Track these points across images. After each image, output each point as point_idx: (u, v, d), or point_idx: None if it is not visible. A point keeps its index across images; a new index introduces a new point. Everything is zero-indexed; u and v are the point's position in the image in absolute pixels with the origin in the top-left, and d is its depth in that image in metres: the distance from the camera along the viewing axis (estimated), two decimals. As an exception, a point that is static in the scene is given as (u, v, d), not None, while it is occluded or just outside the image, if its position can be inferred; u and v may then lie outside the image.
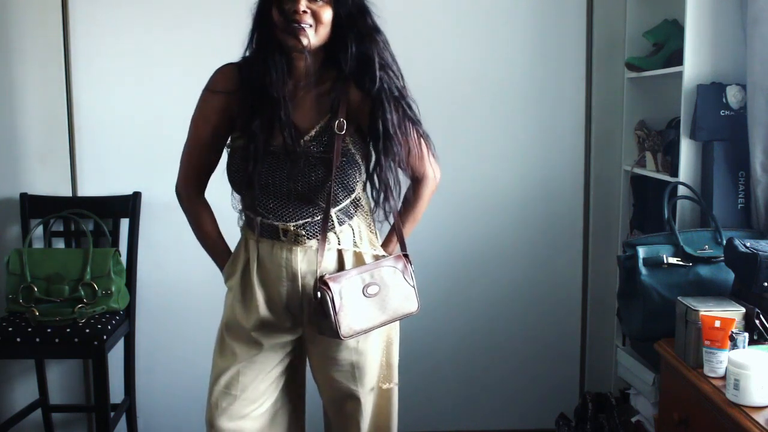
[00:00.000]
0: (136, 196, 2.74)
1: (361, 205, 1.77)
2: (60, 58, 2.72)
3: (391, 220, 1.80)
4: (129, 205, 2.73)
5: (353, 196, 1.73)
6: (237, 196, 1.77)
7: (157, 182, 2.72)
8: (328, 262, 1.72)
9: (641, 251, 2.18)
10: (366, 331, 1.69)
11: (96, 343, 2.42)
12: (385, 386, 1.87)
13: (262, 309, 1.74)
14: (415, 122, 1.74)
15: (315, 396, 1.96)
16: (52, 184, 2.77)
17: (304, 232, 1.70)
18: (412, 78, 2.75)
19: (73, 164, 2.77)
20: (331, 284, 1.63)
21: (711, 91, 2.28)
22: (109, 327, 2.50)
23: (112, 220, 2.74)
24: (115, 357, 2.76)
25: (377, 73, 1.65)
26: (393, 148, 1.67)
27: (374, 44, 1.67)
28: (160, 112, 2.72)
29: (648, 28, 2.67)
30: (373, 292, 1.69)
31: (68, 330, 2.44)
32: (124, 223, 2.75)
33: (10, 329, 2.45)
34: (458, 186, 2.85)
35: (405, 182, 1.82)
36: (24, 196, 2.73)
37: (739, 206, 2.30)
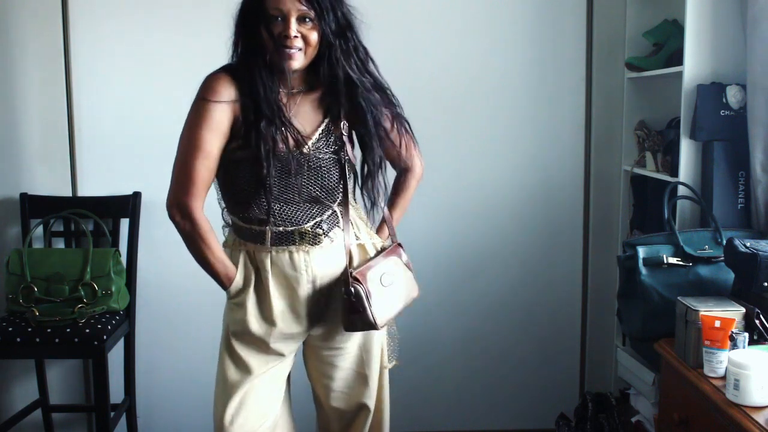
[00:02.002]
0: (136, 196, 2.74)
1: (368, 194, 1.82)
2: (60, 58, 2.72)
3: (378, 212, 1.87)
4: (129, 205, 2.73)
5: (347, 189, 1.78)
6: (232, 211, 1.75)
7: (157, 182, 2.69)
8: (339, 259, 1.75)
9: (641, 251, 2.18)
10: (392, 319, 1.78)
11: (96, 343, 2.42)
12: (385, 366, 1.93)
13: (283, 318, 1.74)
14: (402, 123, 1.83)
15: (303, 397, 1.97)
16: (52, 184, 2.77)
17: (321, 231, 1.72)
18: (412, 78, 2.78)
19: (73, 164, 2.77)
20: (361, 278, 1.69)
21: (711, 91, 2.28)
22: (109, 327, 2.50)
23: (112, 220, 2.74)
24: (115, 357, 2.75)
25: (358, 99, 1.70)
26: (380, 161, 1.77)
27: (349, 67, 1.69)
28: (161, 112, 2.72)
29: (648, 28, 2.67)
30: (388, 282, 1.75)
31: (68, 330, 2.44)
32: (124, 223, 2.75)
33: (10, 329, 2.45)
34: (458, 186, 2.85)
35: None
36: (24, 196, 2.73)
37: (739, 206, 2.30)
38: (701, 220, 2.34)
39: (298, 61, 1.63)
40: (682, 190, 2.33)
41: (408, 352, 2.91)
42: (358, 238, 1.79)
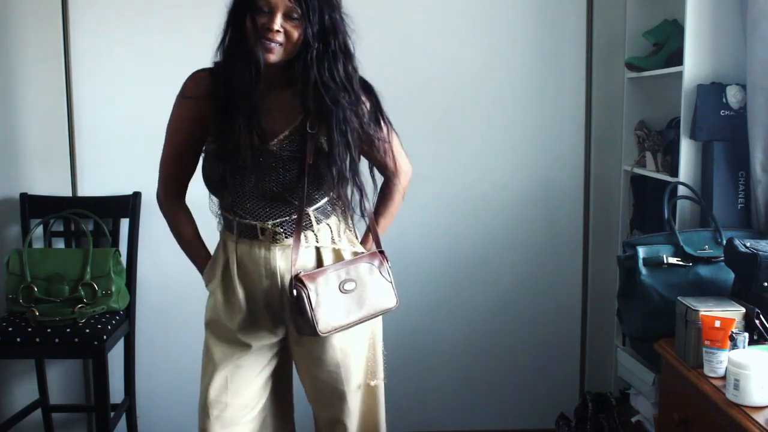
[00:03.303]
0: (136, 196, 2.74)
1: (339, 204, 1.79)
2: (60, 58, 2.72)
3: (351, 221, 1.83)
4: (129, 205, 2.73)
5: (330, 195, 1.75)
6: (215, 200, 1.79)
7: (156, 182, 2.72)
8: (307, 260, 1.74)
9: (641, 251, 2.18)
10: (345, 327, 1.70)
11: (96, 343, 2.42)
12: (372, 383, 1.87)
13: (245, 309, 1.75)
14: (384, 130, 1.78)
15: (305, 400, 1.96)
16: (52, 184, 2.77)
17: (281, 230, 1.72)
18: (412, 78, 2.79)
19: (73, 164, 2.77)
20: (306, 281, 1.65)
21: (711, 91, 2.28)
22: (109, 327, 2.50)
23: (112, 220, 2.74)
24: (115, 357, 2.76)
25: (325, 103, 1.66)
26: (338, 173, 1.69)
27: (319, 71, 1.65)
28: (160, 111, 2.70)
29: (648, 28, 2.67)
30: (350, 288, 1.71)
31: (68, 330, 2.44)
32: (124, 223, 2.75)
33: (10, 329, 2.45)
34: (458, 186, 2.86)
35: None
36: (24, 196, 2.73)
37: (739, 206, 2.30)
38: (701, 220, 2.34)
39: (276, 55, 1.62)
40: (682, 190, 2.33)
41: (408, 352, 2.92)
42: (334, 243, 1.77)
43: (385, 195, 1.92)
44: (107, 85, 2.75)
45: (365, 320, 1.75)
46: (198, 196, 1.82)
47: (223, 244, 1.79)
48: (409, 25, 2.77)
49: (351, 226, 1.84)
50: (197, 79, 1.74)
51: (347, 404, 1.83)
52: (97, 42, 2.73)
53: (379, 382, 1.89)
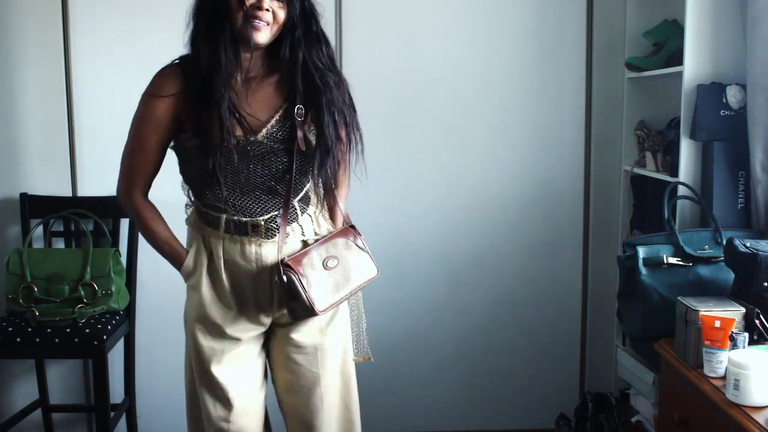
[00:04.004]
0: (136, 196, 2.74)
1: (315, 192, 1.82)
2: (60, 58, 2.72)
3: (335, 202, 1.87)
4: (129, 205, 2.72)
5: (309, 183, 1.78)
6: (192, 194, 1.78)
7: (156, 182, 2.70)
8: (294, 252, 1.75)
9: (641, 251, 2.18)
10: (338, 303, 1.75)
11: (96, 343, 2.42)
12: (351, 358, 1.90)
13: (234, 304, 1.75)
14: (352, 116, 1.80)
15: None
16: (52, 184, 2.77)
17: (275, 226, 1.72)
18: (412, 78, 2.78)
19: (73, 164, 2.77)
20: (293, 265, 1.67)
21: (711, 91, 2.28)
22: (109, 327, 2.50)
23: (112, 220, 2.74)
24: (115, 357, 2.76)
25: (314, 81, 1.68)
26: (332, 145, 1.72)
27: (308, 50, 1.68)
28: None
29: (648, 28, 2.67)
30: (333, 265, 1.74)
31: (68, 330, 2.44)
32: (124, 223, 2.75)
33: (10, 329, 2.45)
34: (458, 186, 2.86)
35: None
36: (24, 196, 2.73)
37: (739, 206, 2.30)
38: (701, 220, 2.34)
39: (264, 34, 1.63)
40: (682, 190, 2.33)
41: (408, 352, 2.92)
42: (317, 234, 1.79)
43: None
44: (107, 85, 2.74)
45: (354, 292, 1.80)
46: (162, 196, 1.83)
47: (202, 239, 1.76)
48: (409, 26, 2.77)
49: (325, 213, 1.86)
50: (167, 76, 1.72)
51: (320, 389, 1.82)
52: (97, 42, 2.73)
53: (352, 363, 1.90)
